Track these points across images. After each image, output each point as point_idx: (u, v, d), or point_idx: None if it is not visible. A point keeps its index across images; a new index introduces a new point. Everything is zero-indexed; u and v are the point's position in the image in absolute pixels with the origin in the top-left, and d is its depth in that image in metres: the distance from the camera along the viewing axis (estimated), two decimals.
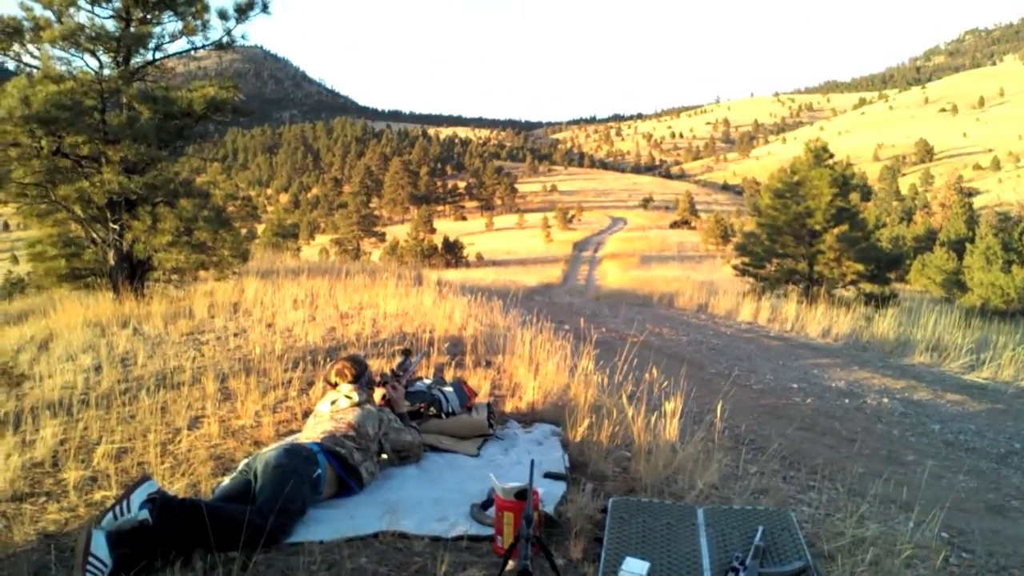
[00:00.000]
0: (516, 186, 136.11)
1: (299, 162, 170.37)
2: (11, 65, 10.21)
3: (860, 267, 19.51)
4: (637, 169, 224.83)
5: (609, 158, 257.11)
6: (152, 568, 2.61)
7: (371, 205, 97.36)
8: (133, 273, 10.36)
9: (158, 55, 10.70)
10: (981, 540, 3.87)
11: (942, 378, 9.12)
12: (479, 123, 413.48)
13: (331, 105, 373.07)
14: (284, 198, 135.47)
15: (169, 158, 10.60)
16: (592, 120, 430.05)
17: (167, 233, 9.71)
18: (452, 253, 56.21)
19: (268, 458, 3.20)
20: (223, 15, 10.80)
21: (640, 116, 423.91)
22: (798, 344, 11.55)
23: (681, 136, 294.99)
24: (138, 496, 2.68)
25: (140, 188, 9.46)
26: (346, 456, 3.47)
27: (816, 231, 19.95)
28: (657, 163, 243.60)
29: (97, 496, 3.38)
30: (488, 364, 6.26)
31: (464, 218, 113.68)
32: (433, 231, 74.70)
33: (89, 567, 2.43)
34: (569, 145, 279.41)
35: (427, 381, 4.81)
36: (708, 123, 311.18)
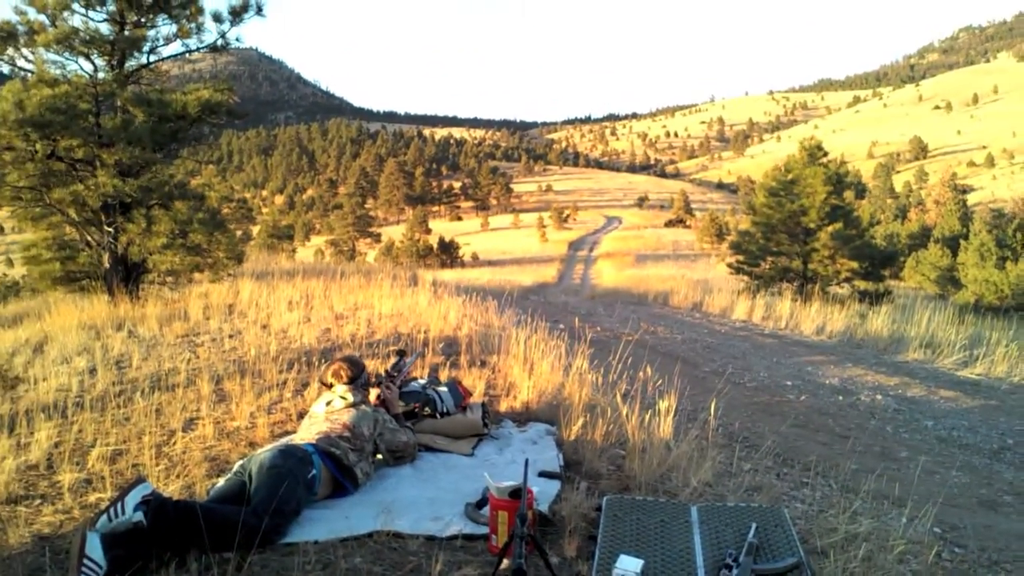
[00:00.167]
0: (511, 186, 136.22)
1: (294, 164, 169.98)
2: (5, 69, 10.22)
3: (854, 264, 19.57)
4: (632, 168, 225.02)
5: (604, 157, 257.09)
6: (147, 570, 2.62)
7: (366, 206, 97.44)
8: (128, 276, 10.36)
9: (152, 58, 10.71)
10: (974, 535, 3.89)
11: (935, 375, 9.15)
12: (474, 123, 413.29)
13: (326, 106, 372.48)
14: (279, 200, 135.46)
15: (164, 161, 10.59)
16: (587, 120, 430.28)
17: (162, 235, 9.71)
18: (447, 253, 56.18)
19: (263, 459, 3.21)
20: (217, 18, 10.80)
21: (635, 115, 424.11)
22: (792, 342, 11.58)
23: (676, 135, 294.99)
24: (132, 498, 2.68)
25: (135, 191, 9.46)
26: (341, 457, 3.48)
27: (810, 229, 20.00)
28: (652, 162, 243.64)
29: (92, 498, 3.38)
30: (483, 364, 6.27)
31: (459, 218, 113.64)
32: (428, 231, 74.64)
33: (84, 569, 2.43)
34: (564, 145, 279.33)
35: (422, 381, 4.83)
36: (703, 122, 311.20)
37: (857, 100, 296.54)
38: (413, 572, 2.75)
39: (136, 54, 10.45)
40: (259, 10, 10.89)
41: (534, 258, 57.43)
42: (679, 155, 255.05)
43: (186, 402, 4.92)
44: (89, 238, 10.29)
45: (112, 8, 10.13)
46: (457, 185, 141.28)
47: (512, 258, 58.44)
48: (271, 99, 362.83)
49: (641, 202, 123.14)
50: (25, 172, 9.38)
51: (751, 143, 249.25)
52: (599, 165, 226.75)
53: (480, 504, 3.25)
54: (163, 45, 10.62)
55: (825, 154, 21.20)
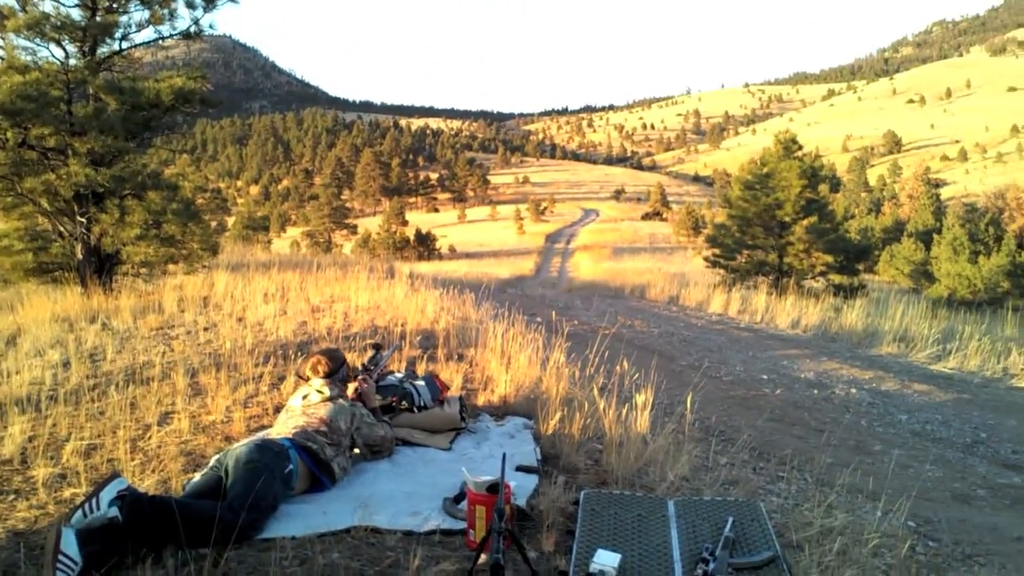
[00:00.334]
0: (488, 178, 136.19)
1: (269, 153, 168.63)
2: None
3: (829, 258, 19.72)
4: (609, 160, 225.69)
5: (581, 149, 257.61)
6: (123, 565, 2.60)
7: (342, 197, 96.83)
8: (101, 267, 10.23)
9: (125, 45, 10.54)
10: (947, 529, 3.94)
11: (909, 368, 9.25)
12: (451, 114, 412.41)
13: (301, 95, 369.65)
14: (254, 190, 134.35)
15: (137, 150, 10.45)
16: (564, 111, 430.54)
17: (135, 226, 9.61)
18: (424, 245, 56.07)
19: (239, 454, 3.18)
20: (190, 4, 10.64)
21: (612, 107, 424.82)
22: (768, 335, 11.67)
23: (652, 127, 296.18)
24: (107, 493, 2.66)
25: (107, 181, 9.33)
26: (318, 451, 3.47)
27: (785, 223, 20.11)
28: (629, 154, 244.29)
29: (66, 493, 3.35)
30: (460, 358, 6.27)
31: (436, 210, 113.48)
32: (405, 223, 74.38)
33: (59, 565, 2.41)
34: (541, 136, 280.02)
35: (399, 375, 4.81)
36: (679, 114, 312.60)
37: (832, 93, 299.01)
38: (391, 567, 2.74)
39: (108, 40, 10.29)
40: None
41: (511, 251, 57.52)
42: (656, 147, 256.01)
43: (161, 396, 4.87)
44: (61, 228, 10.14)
45: None
46: (434, 176, 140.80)
47: (489, 250, 58.50)
48: (245, 87, 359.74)
49: (618, 195, 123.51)
50: None
51: (727, 136, 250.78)
52: (576, 157, 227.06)
53: (458, 499, 3.24)
54: (135, 31, 10.45)
55: (800, 147, 21.30)
